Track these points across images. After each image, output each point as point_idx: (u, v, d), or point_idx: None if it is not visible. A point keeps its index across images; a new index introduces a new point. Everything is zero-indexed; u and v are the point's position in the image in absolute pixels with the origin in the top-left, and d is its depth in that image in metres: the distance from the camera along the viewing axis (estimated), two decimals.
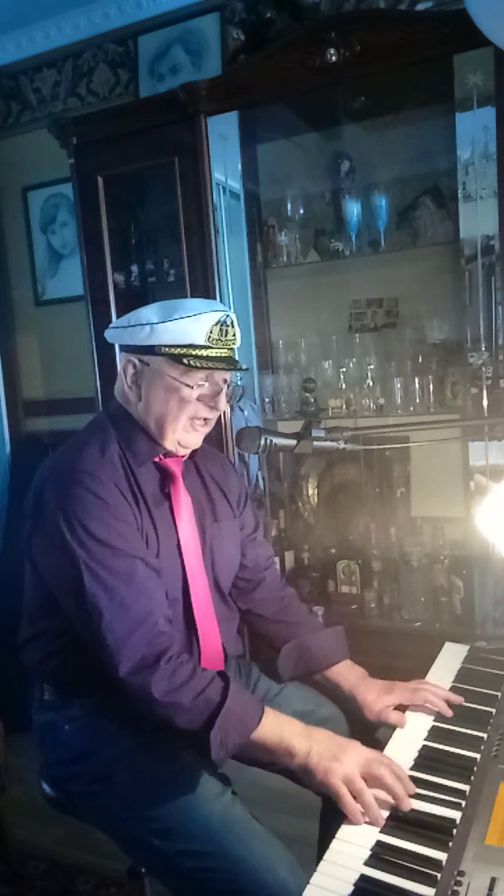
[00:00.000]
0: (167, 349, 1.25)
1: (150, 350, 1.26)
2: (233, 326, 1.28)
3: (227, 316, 1.27)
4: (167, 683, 1.12)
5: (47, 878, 2.06)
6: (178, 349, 1.24)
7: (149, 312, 1.27)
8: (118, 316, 2.47)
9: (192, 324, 1.23)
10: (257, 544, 1.54)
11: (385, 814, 1.03)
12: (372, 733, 1.37)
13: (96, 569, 1.17)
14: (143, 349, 1.27)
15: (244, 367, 1.33)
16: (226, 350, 1.28)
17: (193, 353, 1.24)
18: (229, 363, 1.28)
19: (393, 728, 1.28)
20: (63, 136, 2.50)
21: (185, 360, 1.24)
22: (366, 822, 1.02)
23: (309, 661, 1.45)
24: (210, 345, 1.25)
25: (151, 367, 1.28)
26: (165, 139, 2.35)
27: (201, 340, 1.24)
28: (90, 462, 1.25)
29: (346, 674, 1.43)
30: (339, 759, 1.10)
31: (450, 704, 1.29)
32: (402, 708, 1.33)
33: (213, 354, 1.26)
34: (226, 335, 1.27)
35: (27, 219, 3.18)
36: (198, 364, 1.25)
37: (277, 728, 1.16)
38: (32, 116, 3.12)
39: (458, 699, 1.31)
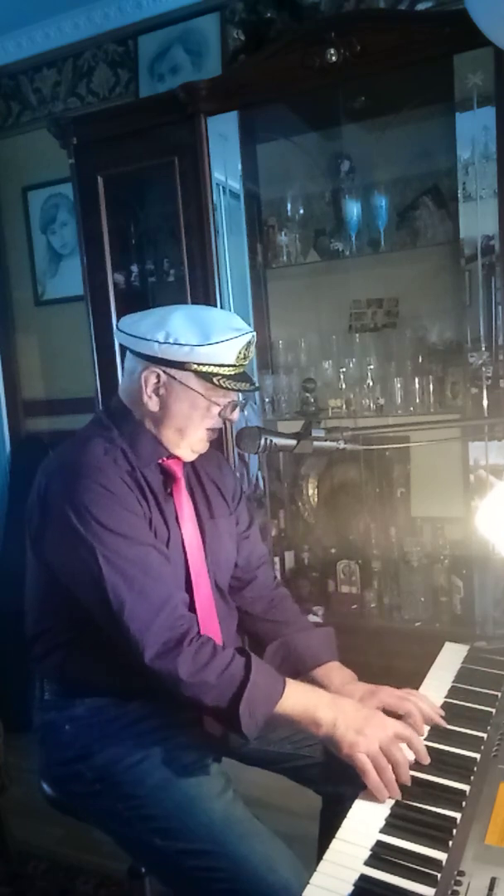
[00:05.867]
0: (199, 367, 1.26)
1: (181, 366, 1.26)
2: (252, 345, 1.31)
3: (253, 335, 1.30)
4: (192, 664, 1.14)
5: (47, 878, 2.06)
6: (210, 367, 1.26)
7: (185, 332, 1.25)
8: (118, 316, 2.47)
9: (226, 347, 1.25)
10: (250, 542, 1.54)
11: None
12: None
13: (113, 559, 1.18)
14: (172, 364, 1.27)
15: (257, 385, 1.35)
16: (243, 367, 1.30)
17: (221, 372, 1.26)
18: (247, 380, 1.31)
19: None
20: (63, 136, 2.50)
21: (215, 381, 1.26)
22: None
23: (294, 661, 1.42)
24: (235, 364, 1.27)
25: (178, 381, 1.28)
26: (165, 139, 2.35)
27: (230, 360, 1.26)
28: (95, 457, 1.25)
29: (332, 675, 1.40)
30: (363, 732, 1.12)
31: (431, 727, 1.24)
32: (396, 715, 1.25)
33: (236, 372, 1.28)
34: (248, 353, 1.29)
35: (27, 219, 3.18)
36: (228, 385, 1.27)
37: (302, 698, 1.17)
38: (32, 116, 3.12)
39: (440, 722, 1.22)
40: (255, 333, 1.30)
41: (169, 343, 1.25)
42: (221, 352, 1.25)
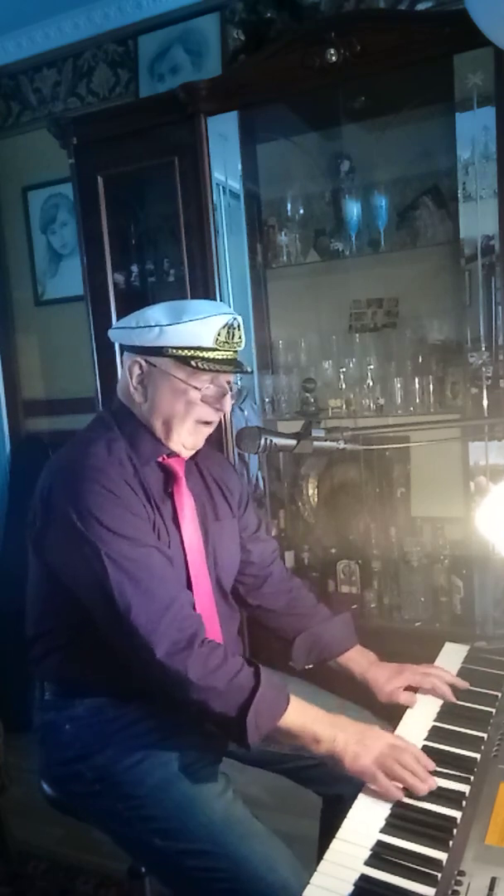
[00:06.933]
0: (175, 351, 1.25)
1: (158, 351, 1.26)
2: (239, 329, 1.29)
3: (235, 319, 1.28)
4: (202, 667, 1.14)
5: (47, 878, 2.06)
6: (186, 351, 1.25)
7: (157, 314, 1.27)
8: (118, 316, 2.48)
9: (200, 326, 1.24)
10: (261, 540, 1.55)
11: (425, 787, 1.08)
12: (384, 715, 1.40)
13: (118, 560, 1.17)
14: (150, 350, 1.27)
15: (248, 369, 1.34)
16: (231, 353, 1.29)
17: (201, 355, 1.25)
18: (235, 365, 1.29)
19: (403, 709, 1.32)
20: (63, 136, 2.50)
21: (192, 362, 1.25)
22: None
23: (322, 651, 1.49)
24: (217, 347, 1.26)
25: (158, 369, 1.28)
26: (165, 139, 2.35)
27: (209, 343, 1.25)
28: (98, 459, 1.25)
29: (358, 659, 1.47)
30: (364, 742, 1.14)
31: (454, 695, 1.33)
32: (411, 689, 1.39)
33: (219, 357, 1.27)
34: (232, 338, 1.27)
35: (27, 219, 3.18)
36: (205, 366, 1.25)
37: (303, 714, 1.18)
38: (32, 116, 3.12)
39: (464, 684, 1.35)
40: (236, 317, 1.28)
41: (141, 327, 1.26)
42: (196, 332, 1.24)
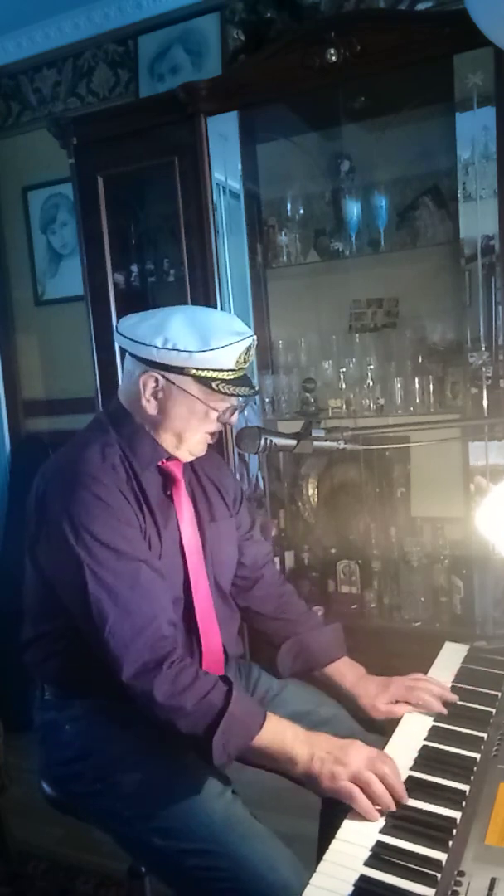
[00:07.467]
0: (197, 372, 1.25)
1: (179, 370, 1.25)
2: (253, 348, 1.30)
3: (254, 340, 1.29)
4: (170, 687, 1.13)
5: (47, 878, 2.06)
6: (209, 372, 1.24)
7: (184, 337, 1.24)
8: (118, 316, 2.48)
9: (226, 352, 1.24)
10: (254, 542, 1.55)
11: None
12: (375, 726, 1.38)
13: (100, 572, 1.17)
14: (171, 368, 1.26)
15: (257, 389, 1.34)
16: (244, 371, 1.29)
17: (221, 377, 1.25)
18: (247, 384, 1.30)
19: (396, 722, 1.29)
20: (63, 136, 2.50)
21: (214, 385, 1.25)
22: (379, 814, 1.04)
23: (308, 659, 1.46)
24: (235, 368, 1.26)
25: (176, 386, 1.27)
26: (165, 139, 2.35)
27: (230, 365, 1.25)
28: (92, 465, 1.25)
29: (345, 671, 1.45)
30: (342, 761, 1.11)
31: (447, 704, 1.30)
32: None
33: (234, 377, 1.27)
34: (248, 357, 1.28)
35: (27, 219, 3.19)
36: (228, 391, 1.26)
37: (280, 735, 1.16)
38: (32, 116, 3.12)
39: (453, 698, 1.31)
40: (255, 337, 1.29)
41: (167, 349, 1.24)
42: (221, 357, 1.24)
